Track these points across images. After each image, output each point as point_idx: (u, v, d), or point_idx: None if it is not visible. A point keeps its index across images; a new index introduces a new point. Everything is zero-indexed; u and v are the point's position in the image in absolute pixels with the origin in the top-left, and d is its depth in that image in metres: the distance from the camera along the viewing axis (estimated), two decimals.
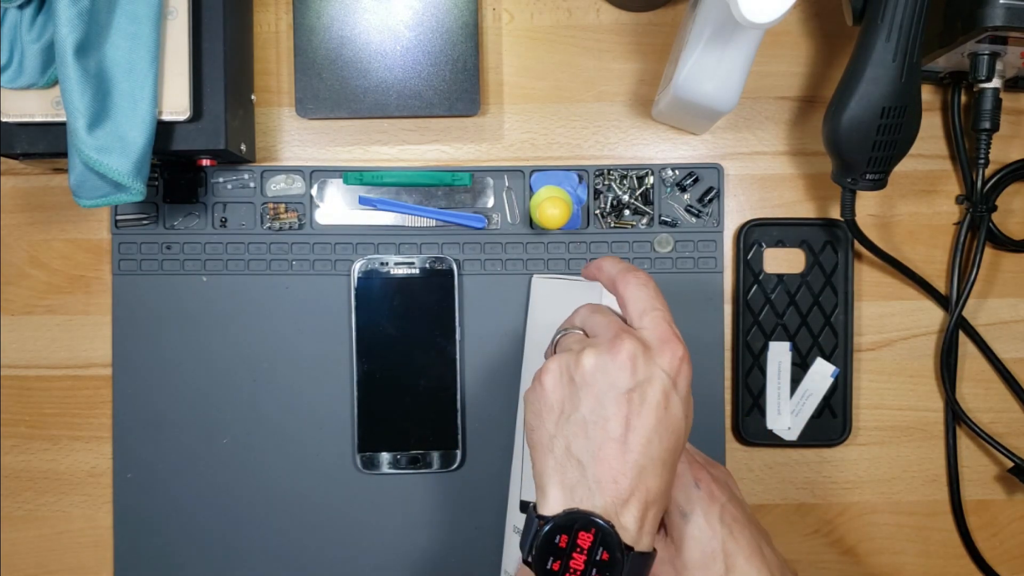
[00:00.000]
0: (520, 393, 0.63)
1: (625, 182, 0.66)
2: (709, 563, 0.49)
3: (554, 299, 0.63)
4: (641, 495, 0.43)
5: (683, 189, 0.66)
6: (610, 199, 0.66)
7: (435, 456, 0.65)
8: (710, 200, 0.66)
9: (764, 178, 0.67)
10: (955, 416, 0.66)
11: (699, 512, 0.49)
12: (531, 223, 0.66)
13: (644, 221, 0.66)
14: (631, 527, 0.43)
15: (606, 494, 0.43)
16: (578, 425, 0.44)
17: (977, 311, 0.67)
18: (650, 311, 0.47)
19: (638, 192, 0.66)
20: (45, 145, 0.60)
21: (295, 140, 0.67)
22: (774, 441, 0.66)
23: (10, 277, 0.67)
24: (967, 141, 0.66)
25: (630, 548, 0.43)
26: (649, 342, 0.45)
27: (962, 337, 0.67)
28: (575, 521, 0.43)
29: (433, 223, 0.66)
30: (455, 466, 0.65)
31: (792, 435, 0.66)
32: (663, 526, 0.51)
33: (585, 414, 0.44)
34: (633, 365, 0.44)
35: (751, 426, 0.66)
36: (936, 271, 0.67)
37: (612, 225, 0.66)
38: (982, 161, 0.63)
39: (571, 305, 0.52)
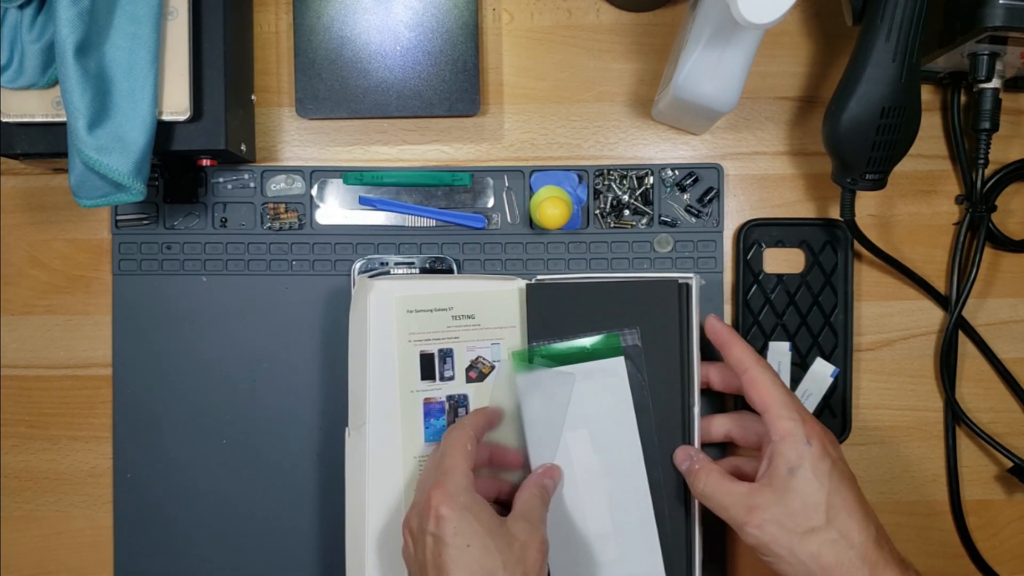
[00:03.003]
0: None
1: (625, 182, 0.66)
2: (811, 513, 0.52)
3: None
4: None
5: (683, 189, 0.66)
6: (610, 199, 0.66)
7: None
8: (710, 200, 0.66)
9: (764, 178, 0.67)
10: (955, 416, 0.66)
11: (807, 467, 0.52)
12: (531, 223, 0.66)
13: (644, 221, 0.66)
14: None
15: None
16: None
17: (977, 311, 0.67)
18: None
19: (638, 192, 0.66)
20: (45, 145, 0.60)
21: (295, 140, 0.67)
22: None
23: (10, 277, 0.67)
24: (967, 141, 0.66)
25: None
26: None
27: (962, 337, 0.67)
28: None
29: (433, 223, 0.66)
30: None
31: None
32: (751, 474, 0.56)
33: None
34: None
35: None
36: (936, 271, 0.67)
37: (612, 225, 0.66)
38: (982, 161, 0.63)
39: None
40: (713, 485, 0.55)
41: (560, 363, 0.60)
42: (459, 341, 0.61)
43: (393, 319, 0.61)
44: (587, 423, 0.60)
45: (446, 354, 0.61)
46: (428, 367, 0.61)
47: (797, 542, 0.51)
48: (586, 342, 0.60)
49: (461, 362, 0.61)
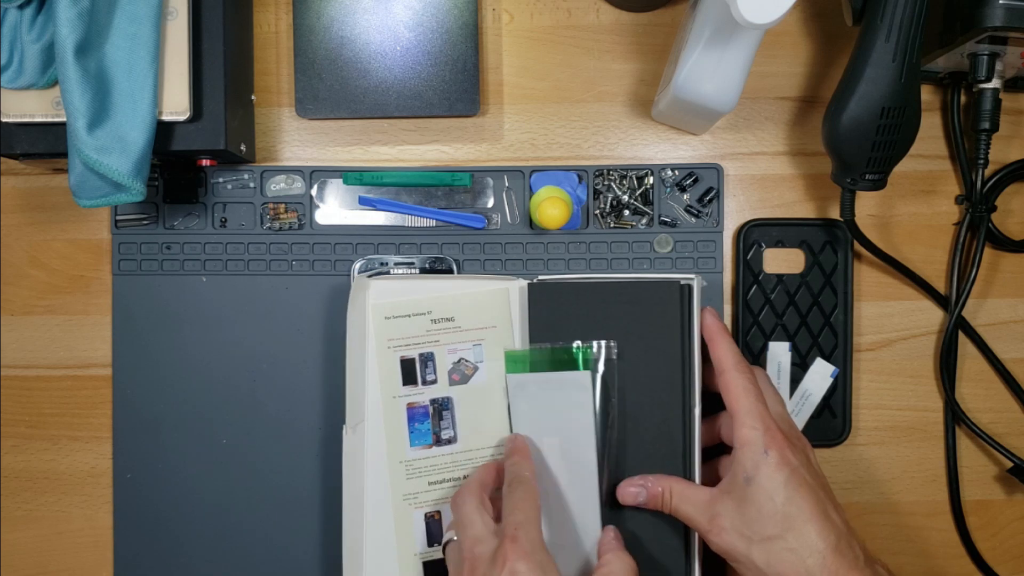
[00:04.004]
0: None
1: (625, 182, 0.66)
2: (766, 522, 0.52)
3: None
4: None
5: (683, 189, 0.66)
6: (610, 199, 0.66)
7: None
8: (710, 200, 0.66)
9: (764, 178, 0.67)
10: (955, 416, 0.66)
11: (762, 476, 0.52)
12: (531, 223, 0.66)
13: (644, 221, 0.66)
14: None
15: None
16: None
17: (977, 311, 0.67)
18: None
19: (638, 192, 0.66)
20: (45, 145, 0.60)
21: (295, 140, 0.67)
22: None
23: (10, 277, 0.67)
24: (967, 141, 0.66)
25: None
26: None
27: (962, 337, 0.67)
28: None
29: (433, 223, 0.66)
30: None
31: None
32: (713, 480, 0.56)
33: None
34: None
35: None
36: (936, 271, 0.67)
37: (612, 225, 0.66)
38: (982, 161, 0.63)
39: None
40: (678, 499, 0.55)
41: (533, 369, 0.60)
42: (439, 344, 0.61)
43: (371, 326, 0.60)
44: (558, 433, 0.59)
45: (427, 358, 0.61)
46: (409, 372, 0.61)
47: (755, 550, 0.52)
48: (559, 350, 0.59)
49: (443, 365, 0.61)
